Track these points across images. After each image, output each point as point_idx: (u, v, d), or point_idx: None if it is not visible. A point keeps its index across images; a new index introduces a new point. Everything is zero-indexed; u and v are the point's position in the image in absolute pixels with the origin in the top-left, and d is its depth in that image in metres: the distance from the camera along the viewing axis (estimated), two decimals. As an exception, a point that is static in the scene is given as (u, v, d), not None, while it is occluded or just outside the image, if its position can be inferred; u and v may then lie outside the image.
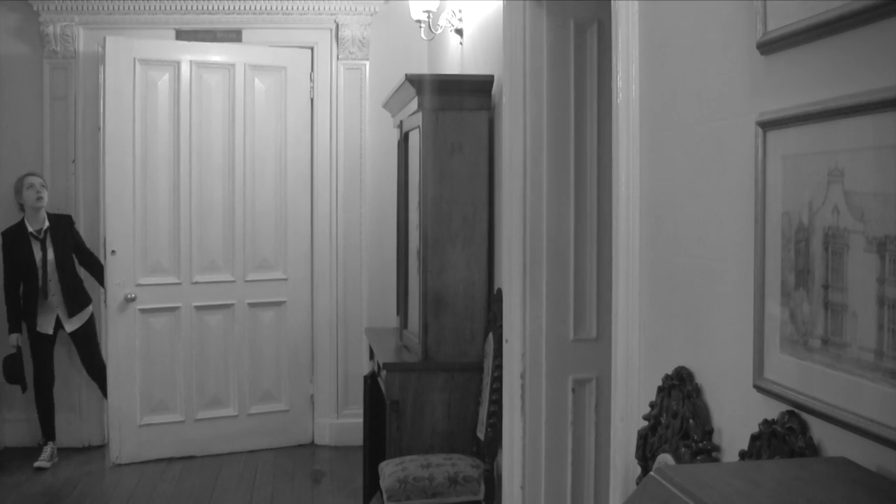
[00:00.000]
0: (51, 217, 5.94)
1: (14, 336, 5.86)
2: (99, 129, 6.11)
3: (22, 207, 5.94)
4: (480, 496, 4.01)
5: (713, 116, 1.97)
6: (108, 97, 5.84)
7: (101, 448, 6.22)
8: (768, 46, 1.68)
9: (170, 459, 6.04)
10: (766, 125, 1.69)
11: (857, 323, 1.43)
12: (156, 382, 6.07)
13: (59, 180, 6.13)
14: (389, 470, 4.10)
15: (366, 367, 5.90)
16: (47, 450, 5.91)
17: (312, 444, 6.42)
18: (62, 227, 5.97)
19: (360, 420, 5.39)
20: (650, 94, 2.32)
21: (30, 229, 5.86)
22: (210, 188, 6.14)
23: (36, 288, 5.84)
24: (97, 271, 6.04)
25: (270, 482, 5.64)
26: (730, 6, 1.87)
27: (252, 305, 6.29)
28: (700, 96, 2.04)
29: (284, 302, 6.37)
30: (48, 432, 5.98)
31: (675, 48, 2.19)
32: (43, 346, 5.92)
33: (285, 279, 6.37)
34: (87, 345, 6.01)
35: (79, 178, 6.16)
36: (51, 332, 5.90)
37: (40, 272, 5.84)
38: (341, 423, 6.37)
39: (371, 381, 5.04)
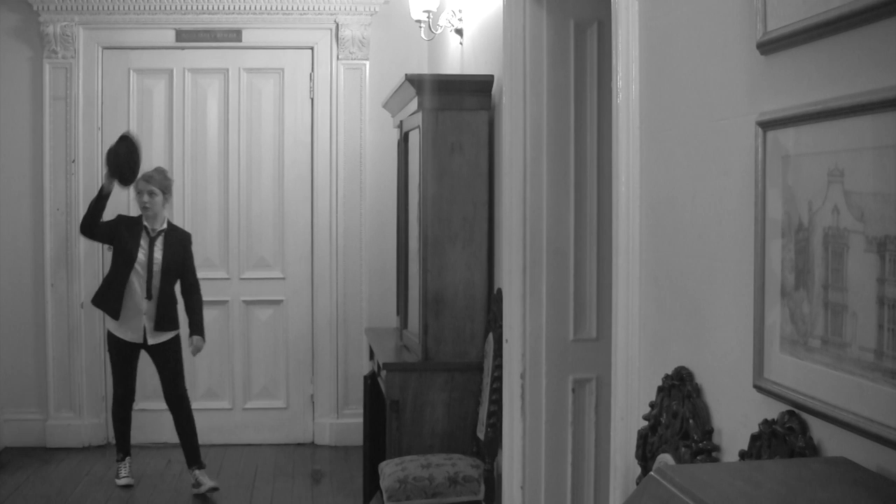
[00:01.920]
0: (170, 224, 5.61)
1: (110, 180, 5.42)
2: (99, 129, 6.19)
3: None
4: (480, 496, 4.01)
5: (713, 116, 1.97)
6: (106, 106, 6.24)
7: (102, 448, 6.23)
8: (768, 46, 1.68)
9: (164, 446, 6.15)
10: (766, 125, 1.69)
11: (857, 323, 1.43)
12: (150, 371, 6.16)
13: (59, 180, 6.15)
14: (389, 470, 4.10)
15: (366, 367, 5.90)
16: (125, 466, 5.57)
17: (312, 444, 6.42)
18: (178, 239, 5.58)
19: (360, 420, 5.39)
20: (650, 94, 2.32)
21: (146, 224, 5.48)
22: (204, 190, 6.33)
23: (125, 275, 5.41)
24: (194, 301, 5.56)
25: (270, 482, 5.64)
26: (730, 6, 1.88)
27: (248, 303, 6.36)
28: (700, 96, 2.04)
29: (282, 301, 6.40)
30: (123, 447, 5.61)
31: (675, 48, 2.19)
32: (126, 356, 5.51)
33: (283, 278, 6.40)
34: (168, 367, 5.52)
35: (79, 177, 6.16)
36: (139, 341, 5.46)
37: (145, 270, 5.42)
38: (341, 423, 6.37)
39: (371, 381, 5.04)
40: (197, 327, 5.50)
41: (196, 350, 5.50)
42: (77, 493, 5.39)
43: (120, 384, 5.55)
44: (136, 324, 5.41)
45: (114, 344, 5.48)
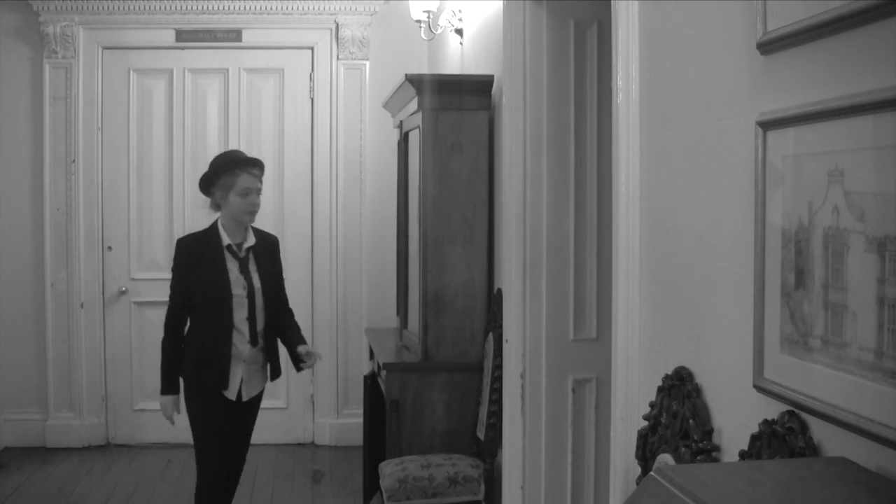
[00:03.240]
0: (255, 232, 4.10)
1: (170, 400, 3.96)
2: (99, 129, 6.20)
3: (215, 205, 4.05)
4: (480, 496, 4.01)
5: (713, 116, 1.97)
6: (106, 106, 6.27)
7: (101, 448, 6.23)
8: (768, 46, 1.68)
9: (165, 446, 6.16)
10: (766, 125, 1.69)
11: (857, 323, 1.43)
12: (150, 371, 6.28)
13: (59, 180, 6.15)
14: (389, 470, 4.10)
15: (366, 367, 5.90)
16: None
17: (312, 444, 6.42)
18: (269, 249, 4.13)
19: (360, 420, 5.39)
20: (650, 94, 2.32)
21: (226, 241, 3.95)
22: None
23: (228, 325, 3.91)
24: (293, 322, 4.22)
25: (270, 482, 5.64)
26: (730, 6, 1.87)
27: (248, 303, 6.36)
28: (700, 96, 2.04)
29: (282, 301, 6.40)
30: None
31: (675, 48, 2.19)
32: (223, 418, 3.95)
33: (283, 278, 6.39)
34: (250, 425, 4.17)
35: (79, 178, 6.17)
36: (233, 397, 3.97)
37: (247, 306, 3.95)
38: (341, 423, 6.38)
39: (371, 381, 5.04)
40: (301, 338, 4.17)
41: (316, 360, 4.13)
42: (77, 493, 5.39)
43: (218, 455, 3.96)
44: (237, 375, 3.97)
45: (202, 403, 3.94)
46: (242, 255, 3.98)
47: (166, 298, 6.28)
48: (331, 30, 6.30)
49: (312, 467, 5.94)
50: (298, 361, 4.06)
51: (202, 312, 3.93)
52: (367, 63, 6.30)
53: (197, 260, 3.94)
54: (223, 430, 3.94)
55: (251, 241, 4.02)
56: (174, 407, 3.97)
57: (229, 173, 3.94)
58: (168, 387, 3.98)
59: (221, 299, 3.91)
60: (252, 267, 3.99)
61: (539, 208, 3.58)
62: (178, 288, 3.96)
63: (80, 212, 6.17)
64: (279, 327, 4.13)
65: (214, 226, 4.01)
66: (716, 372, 1.97)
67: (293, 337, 4.12)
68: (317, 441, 6.43)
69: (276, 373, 4.14)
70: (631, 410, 2.37)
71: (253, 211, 3.97)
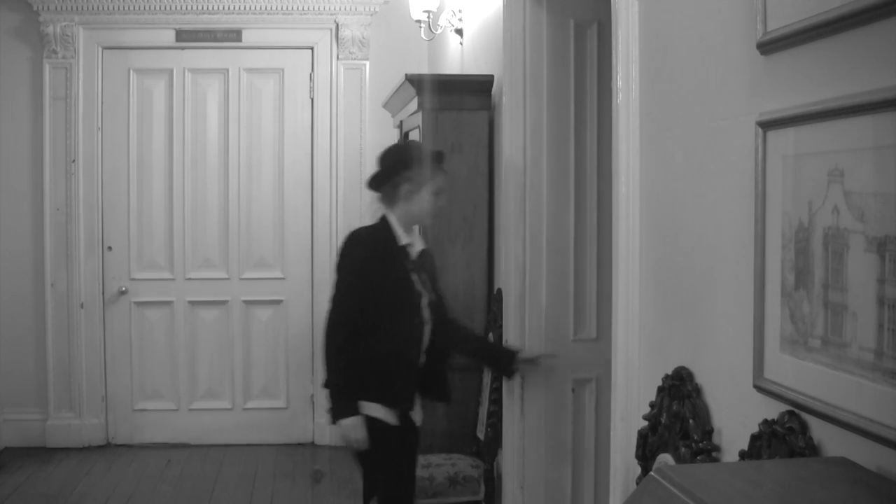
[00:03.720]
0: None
1: (359, 421, 3.30)
2: (99, 129, 6.20)
3: (389, 198, 3.44)
4: (480, 496, 4.01)
5: (713, 116, 1.97)
6: (106, 106, 6.25)
7: (102, 448, 6.23)
8: (768, 46, 1.68)
9: (165, 446, 6.21)
10: (766, 125, 1.69)
11: (857, 323, 1.43)
12: (150, 371, 6.37)
13: (59, 180, 6.15)
14: (389, 470, 4.10)
15: (366, 367, 5.90)
16: None
17: (312, 444, 6.42)
18: (430, 256, 3.64)
19: (361, 420, 5.38)
20: (650, 94, 2.32)
21: (402, 240, 3.40)
22: (204, 190, 6.33)
23: (419, 334, 3.39)
24: (467, 330, 3.80)
25: (270, 482, 5.64)
26: (730, 6, 1.88)
27: (248, 303, 6.37)
28: (700, 96, 2.04)
29: (282, 301, 6.40)
30: None
31: (675, 48, 2.19)
32: (408, 447, 3.48)
33: (283, 278, 6.40)
34: (417, 454, 3.63)
35: (79, 178, 6.16)
36: (396, 421, 3.39)
37: (426, 318, 3.41)
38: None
39: (371, 381, 5.02)
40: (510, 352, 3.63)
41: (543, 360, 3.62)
42: (77, 493, 5.39)
43: (404, 487, 3.48)
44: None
45: (383, 435, 3.34)
46: (415, 258, 3.44)
47: (166, 299, 6.38)
48: (331, 30, 6.29)
49: (312, 467, 5.94)
50: (512, 364, 3.55)
51: (389, 321, 3.32)
52: (367, 63, 6.30)
53: (379, 259, 3.35)
54: (411, 461, 3.52)
55: (421, 243, 3.50)
56: (363, 429, 3.30)
57: (426, 167, 3.43)
58: (355, 408, 3.29)
59: (414, 306, 3.35)
60: (424, 276, 3.46)
61: (539, 208, 3.58)
62: (355, 289, 3.33)
63: (80, 212, 6.16)
64: (455, 337, 3.61)
65: (385, 222, 3.40)
66: (716, 372, 1.97)
67: (488, 342, 3.77)
68: (317, 441, 6.42)
69: (443, 394, 3.58)
70: (631, 410, 2.37)
71: (437, 213, 3.51)
